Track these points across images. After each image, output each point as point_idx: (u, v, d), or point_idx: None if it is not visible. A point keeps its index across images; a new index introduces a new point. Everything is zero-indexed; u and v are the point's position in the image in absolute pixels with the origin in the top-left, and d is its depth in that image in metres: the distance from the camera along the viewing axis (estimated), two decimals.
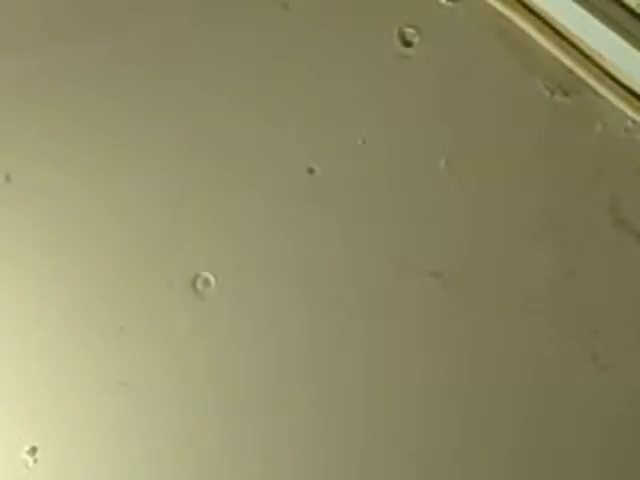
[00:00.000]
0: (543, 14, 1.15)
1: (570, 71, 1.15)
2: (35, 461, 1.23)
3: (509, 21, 1.17)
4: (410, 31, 1.19)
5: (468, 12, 1.18)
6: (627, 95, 1.13)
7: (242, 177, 1.21)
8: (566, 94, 1.15)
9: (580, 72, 1.15)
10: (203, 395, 1.20)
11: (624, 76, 1.13)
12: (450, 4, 1.18)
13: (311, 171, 1.20)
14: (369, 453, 1.16)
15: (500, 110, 1.16)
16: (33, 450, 1.23)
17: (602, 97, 1.14)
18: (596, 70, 1.14)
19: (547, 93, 1.16)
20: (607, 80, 1.14)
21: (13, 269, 1.26)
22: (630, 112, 1.13)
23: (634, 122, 1.13)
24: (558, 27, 1.15)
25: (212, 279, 1.21)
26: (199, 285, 1.21)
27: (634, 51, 1.09)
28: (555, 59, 1.15)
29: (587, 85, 1.14)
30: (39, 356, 1.24)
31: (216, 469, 1.19)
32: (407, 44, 1.19)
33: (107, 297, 1.23)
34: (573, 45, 1.14)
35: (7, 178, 1.27)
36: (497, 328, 1.14)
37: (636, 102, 1.13)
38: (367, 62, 1.20)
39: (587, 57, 1.14)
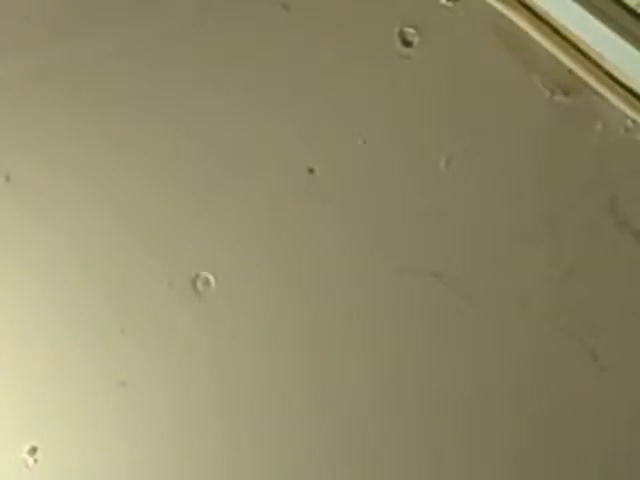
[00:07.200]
0: (543, 14, 1.15)
1: (570, 71, 1.15)
2: (35, 461, 1.23)
3: (509, 21, 1.17)
4: (410, 31, 1.19)
5: (468, 12, 1.18)
6: (627, 95, 1.13)
7: (242, 177, 1.21)
8: (566, 94, 1.15)
9: (580, 72, 1.14)
10: (203, 395, 1.20)
11: (624, 76, 1.13)
12: (450, 4, 1.18)
13: (311, 171, 1.20)
14: (370, 452, 1.16)
15: (500, 110, 1.16)
16: (33, 450, 1.23)
17: (602, 97, 1.14)
18: (596, 70, 1.14)
19: (547, 93, 1.16)
20: (607, 80, 1.14)
21: (13, 269, 1.26)
22: (630, 112, 1.13)
23: (634, 122, 1.13)
24: (558, 27, 1.15)
25: (212, 279, 1.21)
26: (199, 285, 1.21)
27: (634, 51, 1.09)
28: (555, 59, 1.15)
29: (587, 85, 1.14)
30: (39, 356, 1.24)
31: (216, 469, 1.19)
32: (407, 44, 1.19)
33: (107, 297, 1.23)
34: (573, 45, 1.14)
35: (7, 178, 1.27)
36: (497, 328, 1.14)
37: (636, 102, 1.13)
38: (367, 62, 1.20)
39: (587, 57, 1.14)
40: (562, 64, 1.15)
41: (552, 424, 1.12)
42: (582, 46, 1.14)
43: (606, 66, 1.14)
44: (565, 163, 1.15)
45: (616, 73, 1.13)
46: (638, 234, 1.12)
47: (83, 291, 1.24)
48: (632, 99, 1.13)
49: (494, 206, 1.16)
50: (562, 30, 1.15)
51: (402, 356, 1.16)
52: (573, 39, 1.14)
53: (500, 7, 1.17)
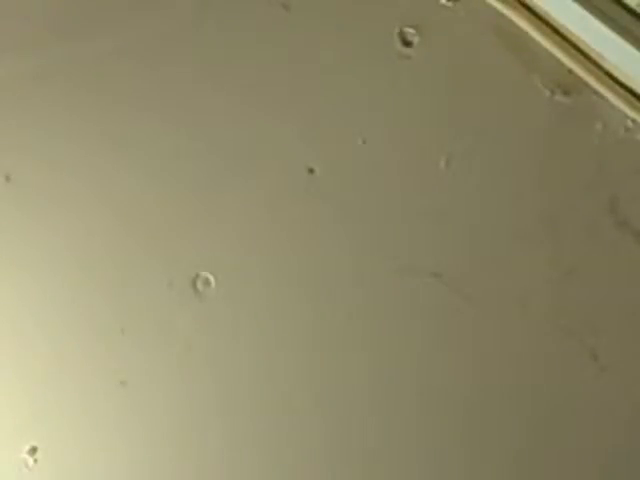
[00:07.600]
0: (543, 14, 1.15)
1: (570, 71, 1.15)
2: (35, 461, 1.23)
3: (509, 21, 1.17)
4: (410, 31, 1.19)
5: (468, 12, 1.18)
6: (627, 95, 1.13)
7: (242, 177, 1.21)
8: (566, 94, 1.15)
9: (580, 72, 1.14)
10: (203, 395, 1.20)
11: (624, 76, 1.13)
12: (450, 4, 1.18)
13: (311, 171, 1.20)
14: (370, 452, 1.16)
15: (500, 110, 1.16)
16: (33, 450, 1.23)
17: (602, 97, 1.14)
18: (596, 70, 1.14)
19: (547, 93, 1.16)
20: (607, 80, 1.14)
21: (13, 269, 1.26)
22: (630, 112, 1.13)
23: (634, 122, 1.13)
24: (558, 27, 1.15)
25: (212, 279, 1.21)
26: (199, 285, 1.21)
27: (634, 51, 1.09)
28: (555, 59, 1.15)
29: (587, 85, 1.14)
30: (39, 356, 1.24)
31: (216, 469, 1.19)
32: (407, 44, 1.19)
33: (107, 297, 1.23)
34: (573, 45, 1.14)
35: (7, 178, 1.27)
36: (497, 328, 1.14)
37: (636, 102, 1.13)
38: (367, 62, 1.20)
39: (587, 57, 1.14)
40: (562, 64, 1.15)
41: (552, 424, 1.12)
42: (582, 46, 1.14)
43: (606, 66, 1.14)
44: (565, 163, 1.15)
45: (616, 73, 1.13)
46: (638, 234, 1.12)
47: (83, 291, 1.24)
48: (632, 99, 1.13)
49: (494, 206, 1.16)
50: (562, 30, 1.15)
51: (402, 356, 1.16)
52: (573, 39, 1.14)
53: (500, 7, 1.17)
